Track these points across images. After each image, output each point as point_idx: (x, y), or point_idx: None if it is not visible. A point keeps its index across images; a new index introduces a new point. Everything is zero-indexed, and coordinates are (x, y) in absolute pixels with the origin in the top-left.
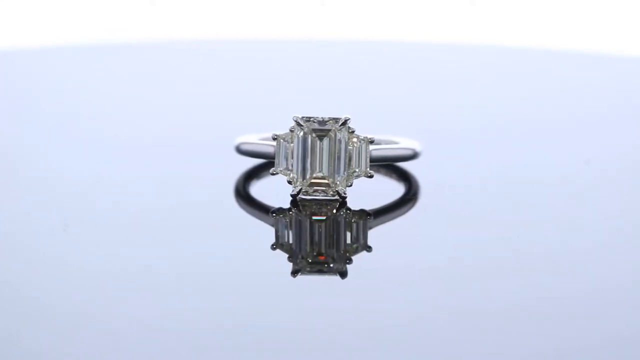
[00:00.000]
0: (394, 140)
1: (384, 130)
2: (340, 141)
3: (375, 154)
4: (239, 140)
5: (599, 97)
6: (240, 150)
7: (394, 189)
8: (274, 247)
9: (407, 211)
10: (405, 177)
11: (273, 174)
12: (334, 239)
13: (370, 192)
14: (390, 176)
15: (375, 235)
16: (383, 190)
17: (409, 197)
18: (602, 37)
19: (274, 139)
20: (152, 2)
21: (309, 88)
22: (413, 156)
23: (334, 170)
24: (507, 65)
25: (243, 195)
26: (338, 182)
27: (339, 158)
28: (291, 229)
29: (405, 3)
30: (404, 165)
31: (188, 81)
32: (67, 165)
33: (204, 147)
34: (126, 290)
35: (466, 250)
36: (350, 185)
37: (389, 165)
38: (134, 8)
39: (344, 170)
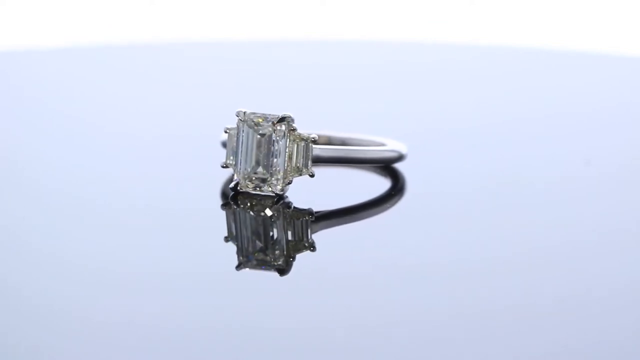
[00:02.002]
0: (381, 142)
1: (372, 131)
2: (278, 138)
3: (362, 156)
4: (224, 135)
5: (599, 97)
6: (225, 145)
7: (371, 189)
8: (227, 239)
9: (383, 210)
10: (394, 178)
11: (223, 167)
12: (276, 235)
13: (334, 192)
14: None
15: (328, 235)
16: (355, 190)
17: (393, 193)
18: (602, 37)
19: (226, 132)
20: (148, 3)
21: (299, 87)
22: (399, 158)
23: (269, 166)
24: (505, 65)
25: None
26: (274, 179)
27: (276, 155)
28: (238, 222)
29: (401, 3)
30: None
31: (178, 80)
32: (58, 165)
33: (191, 142)
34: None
35: (454, 251)
36: (290, 183)
37: (386, 168)
38: (118, 10)
39: (281, 168)
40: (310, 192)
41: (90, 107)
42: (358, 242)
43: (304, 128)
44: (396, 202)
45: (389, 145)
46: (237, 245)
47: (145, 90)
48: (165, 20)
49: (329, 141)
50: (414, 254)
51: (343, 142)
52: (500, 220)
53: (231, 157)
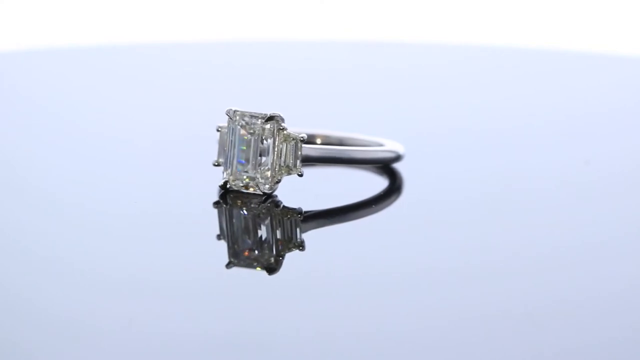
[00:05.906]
0: (379, 142)
1: (372, 132)
2: (266, 137)
3: (359, 156)
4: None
5: (599, 97)
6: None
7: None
8: (219, 237)
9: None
10: (392, 177)
11: (214, 165)
12: (265, 234)
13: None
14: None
15: (318, 235)
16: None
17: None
18: (602, 37)
19: (218, 130)
20: (148, 3)
21: (298, 88)
22: (396, 159)
23: (257, 165)
24: (505, 66)
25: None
26: (262, 178)
27: (264, 154)
28: (228, 220)
29: (401, 3)
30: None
31: (177, 80)
32: (58, 164)
33: (189, 141)
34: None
35: (452, 253)
36: (278, 182)
37: (384, 168)
38: (118, 11)
39: (269, 167)
40: (304, 191)
41: (89, 107)
42: (348, 242)
43: (303, 128)
44: (392, 203)
45: (387, 146)
46: (228, 244)
47: (144, 90)
48: (165, 20)
49: (327, 140)
50: (407, 255)
51: (340, 142)
52: (497, 221)
53: (222, 155)
